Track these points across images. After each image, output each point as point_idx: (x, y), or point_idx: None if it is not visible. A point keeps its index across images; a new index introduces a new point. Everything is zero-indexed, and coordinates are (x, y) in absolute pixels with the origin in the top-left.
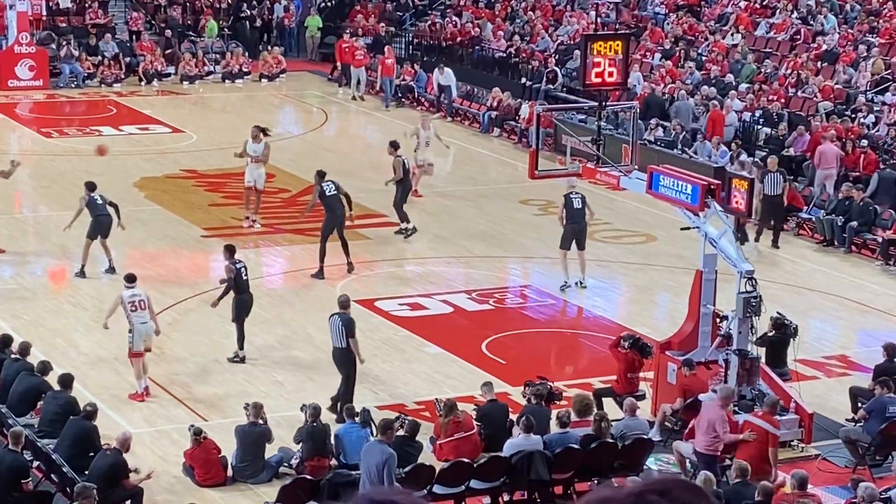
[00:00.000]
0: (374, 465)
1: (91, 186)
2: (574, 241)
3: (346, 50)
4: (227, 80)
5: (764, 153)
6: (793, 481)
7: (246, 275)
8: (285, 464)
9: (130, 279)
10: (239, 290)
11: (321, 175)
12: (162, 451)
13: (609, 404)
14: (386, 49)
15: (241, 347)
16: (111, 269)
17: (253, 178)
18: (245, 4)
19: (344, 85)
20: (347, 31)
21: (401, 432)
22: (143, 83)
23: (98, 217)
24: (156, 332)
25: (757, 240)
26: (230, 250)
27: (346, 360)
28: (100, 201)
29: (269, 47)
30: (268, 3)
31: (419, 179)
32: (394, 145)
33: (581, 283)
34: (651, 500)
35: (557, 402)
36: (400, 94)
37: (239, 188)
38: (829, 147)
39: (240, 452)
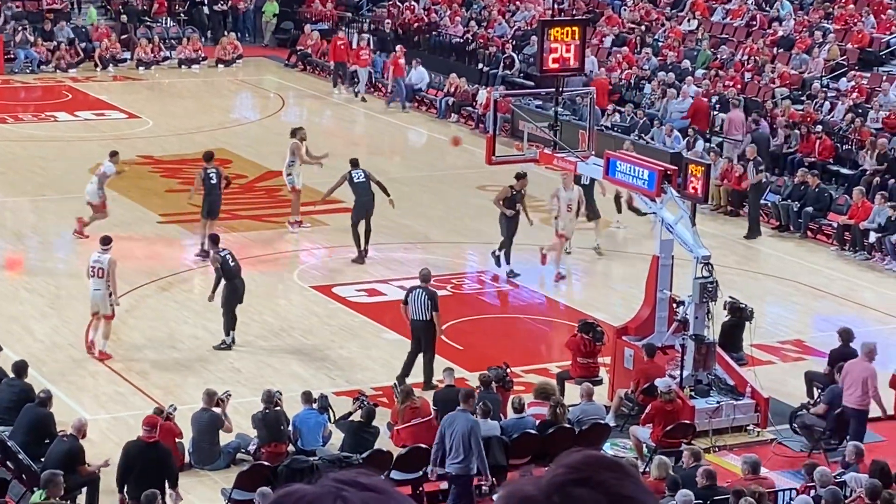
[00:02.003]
0: (459, 434)
1: (208, 156)
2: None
3: (342, 47)
4: (183, 66)
5: (720, 139)
6: (745, 466)
7: (234, 260)
8: (242, 450)
9: (104, 242)
10: (228, 276)
11: (353, 163)
12: (119, 437)
13: (569, 390)
14: (398, 48)
15: (227, 334)
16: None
17: (292, 178)
18: None
19: (343, 84)
20: (342, 28)
21: (357, 417)
22: (98, 69)
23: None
24: (115, 304)
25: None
26: (214, 240)
27: (429, 332)
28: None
29: (226, 33)
30: None
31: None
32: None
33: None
34: (576, 494)
35: (507, 390)
36: (349, 79)
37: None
38: (737, 114)
39: (194, 438)
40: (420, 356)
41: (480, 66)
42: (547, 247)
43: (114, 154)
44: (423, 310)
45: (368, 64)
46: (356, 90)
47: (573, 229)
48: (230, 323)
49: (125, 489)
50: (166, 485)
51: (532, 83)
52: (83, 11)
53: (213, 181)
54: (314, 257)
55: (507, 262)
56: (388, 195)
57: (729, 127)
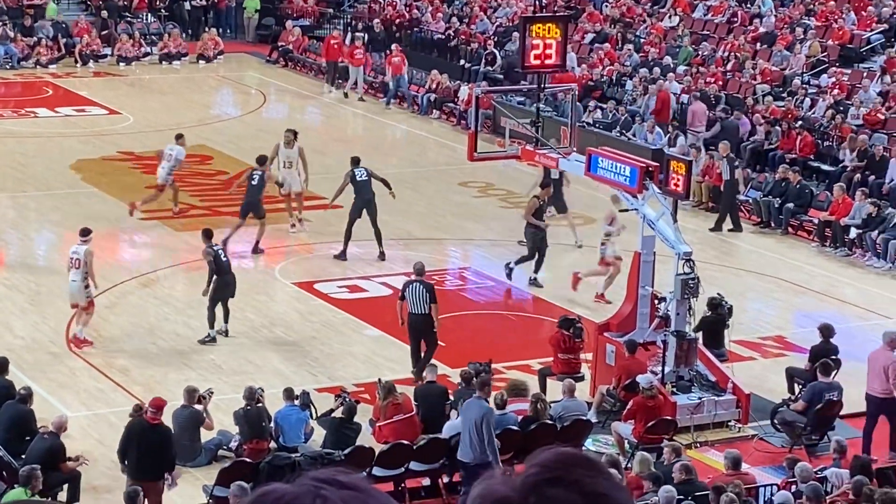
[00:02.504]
0: (472, 421)
1: (261, 160)
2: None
3: (335, 47)
4: (164, 62)
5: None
6: (727, 461)
7: (225, 256)
8: (224, 447)
9: (83, 233)
10: (220, 271)
11: (354, 161)
12: (99, 434)
13: (553, 386)
14: (393, 47)
15: (211, 327)
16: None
17: (288, 183)
18: None
19: (336, 84)
20: (337, 27)
21: (338, 413)
22: (78, 64)
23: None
24: (89, 296)
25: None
26: (207, 234)
27: (428, 325)
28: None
29: (207, 28)
30: None
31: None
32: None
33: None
34: (551, 494)
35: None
36: (340, 78)
37: (177, 170)
38: (699, 105)
39: (175, 435)
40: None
41: (462, 62)
42: (585, 272)
43: (179, 137)
44: (422, 303)
45: (363, 63)
46: (346, 90)
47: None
48: (213, 318)
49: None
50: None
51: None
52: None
53: (255, 183)
54: (296, 254)
55: (536, 272)
56: (390, 188)
57: (692, 119)
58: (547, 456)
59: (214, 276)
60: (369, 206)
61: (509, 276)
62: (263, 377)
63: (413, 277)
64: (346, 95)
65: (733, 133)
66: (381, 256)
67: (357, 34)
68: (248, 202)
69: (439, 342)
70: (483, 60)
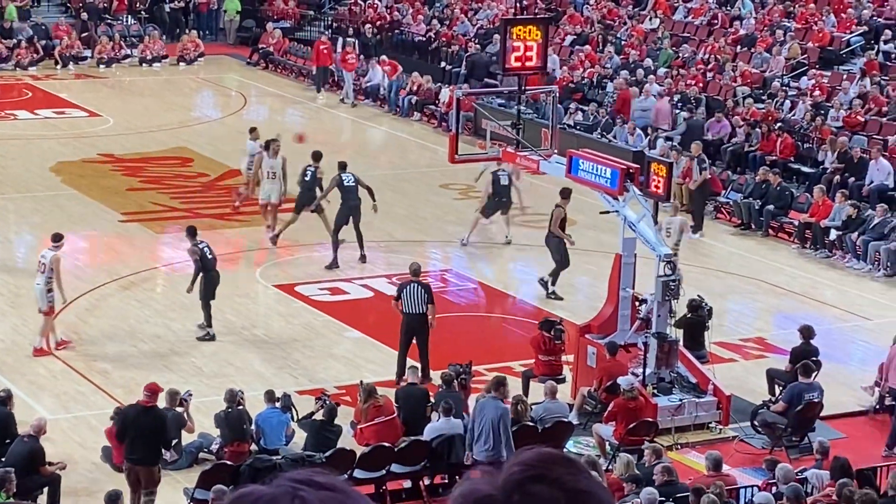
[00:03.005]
0: (489, 420)
1: (316, 156)
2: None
3: (325, 52)
4: (144, 64)
5: (681, 137)
6: (708, 462)
7: (211, 253)
8: (205, 449)
9: (55, 239)
10: (206, 268)
11: (341, 166)
12: (80, 437)
13: (536, 388)
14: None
15: (209, 325)
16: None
17: (268, 193)
18: None
19: (327, 89)
20: (327, 32)
21: (319, 416)
22: (58, 66)
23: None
24: (51, 301)
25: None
26: (191, 232)
27: (423, 325)
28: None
29: (187, 31)
30: None
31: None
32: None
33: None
34: (534, 491)
35: (464, 388)
36: (329, 82)
37: (158, 172)
38: (664, 104)
39: None
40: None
41: (443, 64)
42: None
43: (252, 130)
44: (420, 303)
45: (354, 69)
46: (342, 97)
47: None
48: (209, 315)
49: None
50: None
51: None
52: (39, 8)
53: (308, 178)
54: (277, 256)
55: (554, 284)
56: (374, 200)
57: (656, 117)
58: (528, 455)
59: (200, 274)
60: (355, 212)
61: (546, 288)
62: (244, 379)
63: (410, 278)
64: (342, 101)
65: (698, 132)
66: (363, 259)
67: (348, 39)
68: (303, 197)
69: None
70: (464, 62)
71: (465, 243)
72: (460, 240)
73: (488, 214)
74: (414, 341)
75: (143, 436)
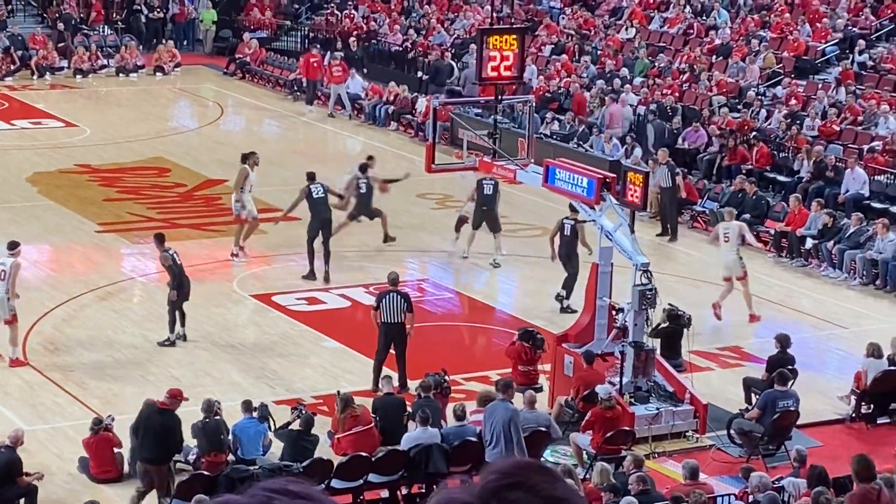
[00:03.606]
0: (499, 423)
1: (311, 176)
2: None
3: (314, 65)
4: (120, 74)
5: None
6: (685, 471)
7: (179, 260)
8: (182, 460)
9: (10, 246)
10: (174, 275)
11: (310, 177)
12: (57, 448)
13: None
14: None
15: (171, 331)
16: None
17: (249, 210)
18: None
19: (317, 103)
20: (315, 46)
21: (296, 426)
22: (35, 77)
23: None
24: (13, 300)
25: (665, 234)
26: (160, 239)
27: (402, 334)
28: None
29: (164, 41)
30: None
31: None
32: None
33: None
34: (512, 499)
35: (445, 396)
36: (297, 88)
37: (135, 183)
38: (618, 108)
39: (132, 448)
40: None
41: (420, 74)
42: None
43: (370, 158)
44: (399, 312)
45: (342, 81)
46: (330, 111)
47: (729, 265)
48: (174, 320)
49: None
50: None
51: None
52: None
53: (364, 191)
54: (254, 266)
55: (568, 297)
56: (341, 199)
57: (610, 121)
58: (504, 463)
59: (171, 281)
60: (326, 225)
61: (561, 302)
62: (221, 390)
63: (389, 288)
64: (330, 115)
65: (660, 136)
66: (326, 277)
67: (336, 52)
68: (361, 207)
69: None
70: (426, 69)
71: (465, 256)
72: (461, 255)
73: (476, 225)
74: (392, 351)
75: (154, 435)
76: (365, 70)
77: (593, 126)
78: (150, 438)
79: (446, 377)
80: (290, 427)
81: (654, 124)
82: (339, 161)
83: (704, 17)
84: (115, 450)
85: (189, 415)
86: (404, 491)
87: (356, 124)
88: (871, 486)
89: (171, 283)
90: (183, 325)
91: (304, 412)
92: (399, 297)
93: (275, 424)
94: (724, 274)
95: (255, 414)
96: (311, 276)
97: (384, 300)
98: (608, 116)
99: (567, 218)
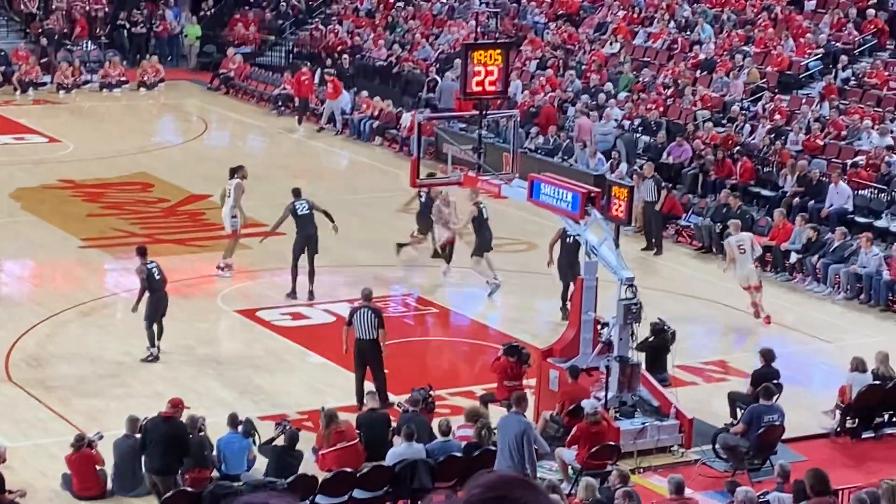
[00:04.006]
0: (513, 436)
1: (296, 193)
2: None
3: (306, 83)
4: (104, 90)
5: (643, 161)
6: (670, 486)
7: (159, 274)
8: None
9: None
10: (153, 288)
11: (295, 193)
12: (40, 465)
13: (496, 412)
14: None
15: (152, 345)
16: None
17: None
18: (122, 13)
19: (311, 121)
20: (306, 63)
21: (280, 442)
22: (18, 92)
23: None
24: None
25: (650, 248)
26: (141, 251)
27: (375, 350)
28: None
29: (147, 56)
30: (146, 11)
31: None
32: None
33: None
34: None
35: (430, 412)
36: (281, 103)
37: (118, 198)
38: (585, 120)
39: (116, 465)
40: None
41: (428, 94)
42: (749, 302)
43: (430, 175)
44: (370, 328)
45: (337, 97)
46: (322, 125)
47: (748, 275)
48: (152, 335)
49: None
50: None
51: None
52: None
53: (424, 200)
54: (238, 281)
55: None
56: (333, 221)
57: (579, 132)
58: (488, 478)
59: (147, 294)
60: (310, 242)
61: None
62: (206, 405)
63: (361, 303)
64: (319, 131)
65: (631, 148)
66: (310, 296)
67: (327, 70)
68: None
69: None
70: (425, 87)
71: (497, 281)
72: (494, 284)
73: (488, 247)
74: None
75: (161, 444)
76: (354, 88)
77: (582, 144)
78: (156, 448)
79: (431, 392)
80: (274, 442)
81: (622, 139)
82: (324, 176)
83: (688, 33)
84: (98, 467)
85: None
86: None
87: (341, 139)
88: (827, 500)
89: (139, 295)
90: (159, 338)
91: (287, 428)
92: (371, 312)
93: (259, 439)
94: (743, 283)
95: (239, 429)
96: (293, 294)
97: (356, 316)
98: (577, 129)
99: None
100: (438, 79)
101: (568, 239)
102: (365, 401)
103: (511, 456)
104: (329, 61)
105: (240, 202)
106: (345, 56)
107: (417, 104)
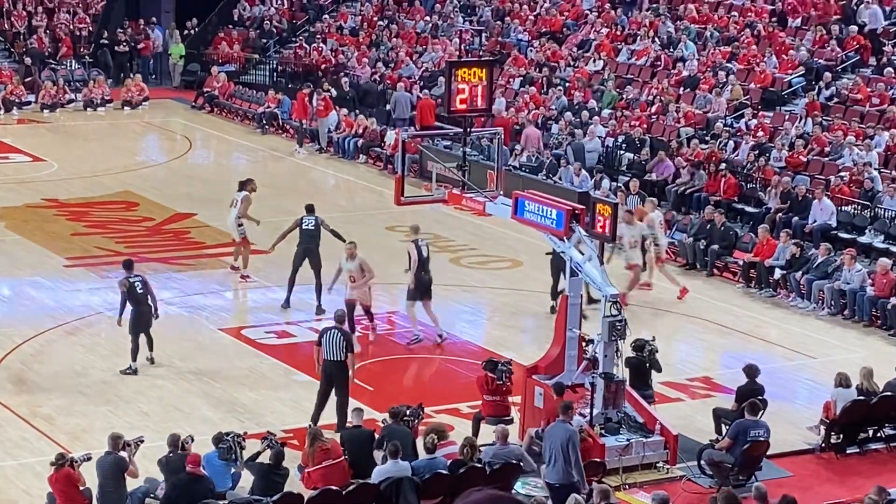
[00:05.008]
0: (558, 443)
1: (309, 209)
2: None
3: (305, 105)
4: (88, 108)
5: (627, 178)
6: (654, 502)
7: (142, 288)
8: (151, 495)
9: None
10: (136, 302)
11: (308, 209)
12: (25, 484)
13: (487, 429)
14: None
15: (133, 359)
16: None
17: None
18: (106, 32)
19: (308, 143)
20: (308, 85)
21: (265, 458)
22: (1, 112)
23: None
24: None
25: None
26: (128, 265)
27: (342, 373)
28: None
29: (131, 75)
30: (130, 31)
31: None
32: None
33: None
34: None
35: (412, 425)
36: (265, 122)
37: (103, 217)
38: (533, 130)
39: (100, 484)
40: (331, 397)
41: (388, 106)
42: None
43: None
44: (338, 350)
45: (327, 115)
46: (321, 145)
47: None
48: (135, 350)
49: None
50: None
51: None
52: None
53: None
54: (223, 299)
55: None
56: (343, 241)
57: (525, 143)
58: (478, 496)
59: (130, 308)
60: (311, 255)
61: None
62: (191, 424)
63: (332, 324)
64: (319, 151)
65: (580, 157)
66: (318, 310)
67: (324, 91)
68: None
69: (368, 387)
70: (409, 105)
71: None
72: (414, 337)
73: (417, 298)
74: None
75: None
76: (345, 110)
77: (561, 158)
78: None
79: (422, 412)
80: (258, 458)
81: (573, 146)
82: (309, 194)
83: (672, 50)
84: (80, 486)
85: (160, 450)
86: None
87: (325, 157)
88: None
89: (121, 308)
90: (151, 348)
91: (274, 443)
92: (339, 334)
93: (241, 457)
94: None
95: (221, 446)
96: (286, 304)
97: (325, 337)
98: (524, 138)
99: None
100: (410, 96)
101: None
102: (350, 417)
103: (557, 462)
104: (325, 84)
105: (246, 214)
106: (344, 80)
107: (374, 114)
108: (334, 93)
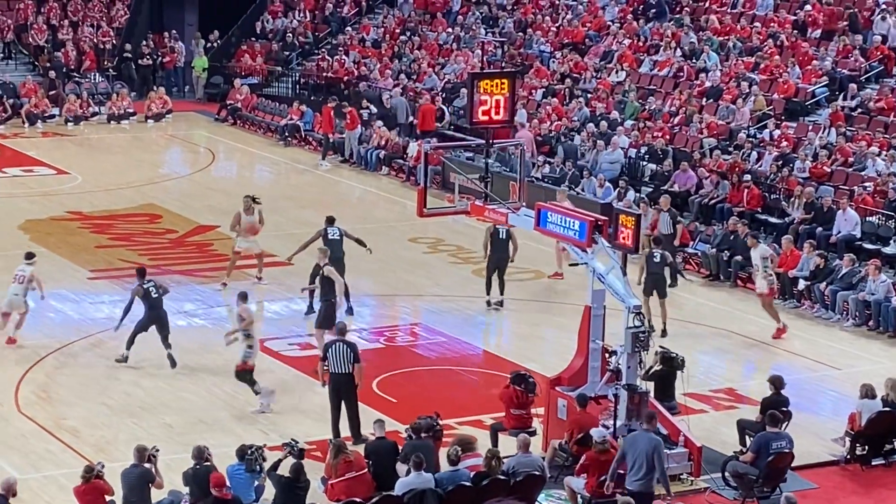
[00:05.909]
0: (643, 452)
1: (330, 220)
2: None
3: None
4: (112, 122)
5: (650, 189)
6: None
7: (157, 292)
8: None
9: (28, 256)
10: (152, 307)
11: (329, 220)
12: (49, 496)
13: (505, 441)
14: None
15: (128, 349)
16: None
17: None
18: (130, 45)
19: (331, 155)
20: (334, 98)
21: (286, 469)
22: (26, 125)
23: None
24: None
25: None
26: (141, 273)
27: (350, 385)
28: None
29: (154, 88)
30: (154, 44)
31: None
32: None
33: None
34: None
35: (437, 440)
36: (287, 134)
37: (126, 229)
38: (526, 133)
39: (125, 496)
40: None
41: (411, 118)
42: None
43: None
44: (346, 363)
45: (354, 128)
46: (344, 157)
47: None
48: (132, 341)
49: None
50: None
51: (462, 136)
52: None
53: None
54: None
55: None
56: (365, 246)
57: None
58: None
59: (146, 311)
60: (338, 264)
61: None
62: (214, 436)
63: (335, 337)
64: (343, 162)
65: (572, 157)
66: (350, 311)
67: (344, 103)
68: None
69: (391, 398)
70: (407, 111)
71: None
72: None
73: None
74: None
75: None
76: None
77: (584, 169)
78: None
79: (439, 421)
80: (280, 464)
81: (564, 146)
82: (331, 206)
83: (694, 60)
84: (107, 497)
85: (183, 462)
86: None
87: (348, 169)
88: None
89: (124, 312)
90: (168, 346)
91: (295, 450)
92: (346, 346)
93: (263, 469)
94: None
95: (248, 457)
96: (310, 310)
97: (331, 350)
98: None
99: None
100: (445, 108)
101: (500, 235)
102: (373, 429)
103: (641, 471)
104: (347, 94)
105: (233, 226)
106: (385, 96)
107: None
108: (374, 109)
